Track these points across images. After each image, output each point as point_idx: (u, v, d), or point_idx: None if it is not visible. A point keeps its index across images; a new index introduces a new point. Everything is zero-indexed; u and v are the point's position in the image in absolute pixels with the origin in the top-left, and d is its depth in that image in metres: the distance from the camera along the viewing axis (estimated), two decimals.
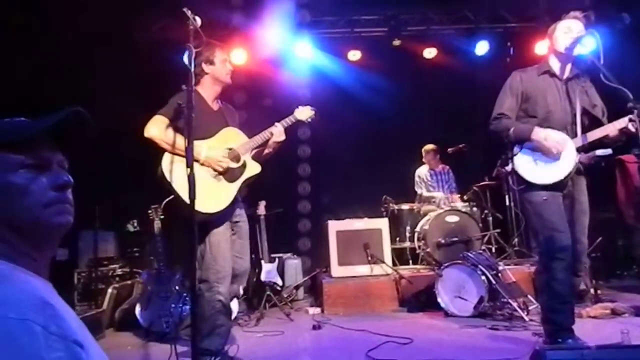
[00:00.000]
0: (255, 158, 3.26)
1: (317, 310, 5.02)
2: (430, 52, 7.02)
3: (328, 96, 7.02)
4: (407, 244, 5.90)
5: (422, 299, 4.85)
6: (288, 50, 6.65)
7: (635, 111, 2.58)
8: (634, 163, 4.40)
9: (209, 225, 3.01)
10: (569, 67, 3.23)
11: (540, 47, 6.55)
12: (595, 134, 3.05)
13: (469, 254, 4.59)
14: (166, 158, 2.98)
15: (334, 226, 5.40)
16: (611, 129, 2.97)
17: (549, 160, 3.09)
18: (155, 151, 2.99)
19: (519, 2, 6.42)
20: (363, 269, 5.26)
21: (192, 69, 2.39)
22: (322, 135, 7.05)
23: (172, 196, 2.92)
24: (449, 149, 6.14)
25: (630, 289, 5.09)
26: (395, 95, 6.78)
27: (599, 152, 2.98)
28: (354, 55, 6.98)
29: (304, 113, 3.33)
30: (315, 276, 5.80)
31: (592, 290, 4.63)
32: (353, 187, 6.60)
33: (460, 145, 6.03)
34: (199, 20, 2.53)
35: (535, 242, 3.40)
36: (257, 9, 6.00)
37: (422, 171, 6.47)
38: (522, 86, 3.24)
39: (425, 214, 5.83)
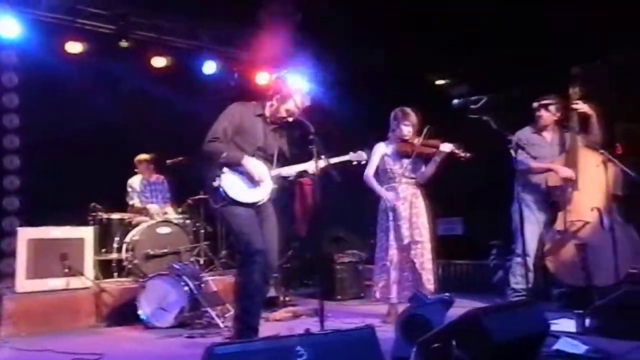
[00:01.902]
0: None
1: None
2: (159, 61, 6.92)
3: (37, 86, 6.19)
4: (115, 255, 5.59)
5: (123, 313, 4.66)
6: None
7: (314, 144, 3.18)
8: (309, 185, 5.37)
9: None
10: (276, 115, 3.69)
11: (261, 78, 7.25)
12: (285, 171, 3.65)
13: (175, 265, 4.68)
14: None
15: (26, 234, 4.74)
16: (296, 168, 3.64)
17: (250, 184, 3.49)
18: None
19: (243, 32, 6.98)
20: (58, 282, 4.74)
21: None
22: (23, 130, 6.15)
23: None
24: (168, 161, 6.14)
25: (313, 295, 5.99)
26: (115, 98, 6.44)
27: (284, 173, 3.60)
28: (74, 47, 6.36)
29: None
30: None
31: (281, 297, 5.30)
32: (57, 192, 5.87)
33: (179, 158, 6.09)
34: None
35: (236, 248, 3.75)
36: None
37: (135, 181, 6.25)
38: (240, 119, 3.58)
39: (137, 225, 5.65)
